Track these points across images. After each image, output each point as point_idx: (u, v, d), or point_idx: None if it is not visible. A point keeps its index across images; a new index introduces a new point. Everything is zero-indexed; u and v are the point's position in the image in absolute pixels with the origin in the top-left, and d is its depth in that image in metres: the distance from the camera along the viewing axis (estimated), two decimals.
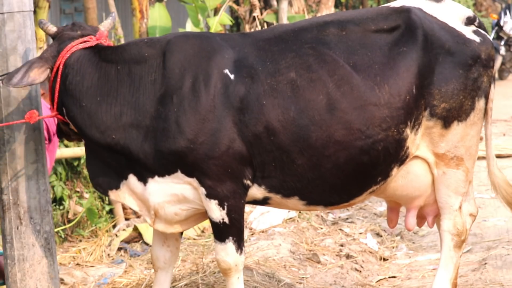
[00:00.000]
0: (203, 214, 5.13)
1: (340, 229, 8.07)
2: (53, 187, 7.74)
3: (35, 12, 6.22)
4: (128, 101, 4.96)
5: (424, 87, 5.02)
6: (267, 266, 6.43)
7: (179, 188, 4.99)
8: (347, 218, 8.55)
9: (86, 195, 8.09)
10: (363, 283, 6.76)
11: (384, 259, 7.54)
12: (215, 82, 4.89)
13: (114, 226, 8.19)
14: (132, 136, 4.94)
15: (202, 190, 4.94)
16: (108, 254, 7.56)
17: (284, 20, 15.05)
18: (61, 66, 5.02)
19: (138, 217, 8.58)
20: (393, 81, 4.96)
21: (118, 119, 4.96)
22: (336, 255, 7.28)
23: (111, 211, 8.38)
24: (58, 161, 7.93)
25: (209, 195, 4.94)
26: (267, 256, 6.88)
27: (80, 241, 7.85)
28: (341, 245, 7.57)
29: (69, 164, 8.08)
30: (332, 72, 4.93)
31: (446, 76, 5.05)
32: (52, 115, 5.13)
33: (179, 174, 4.94)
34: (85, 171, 8.22)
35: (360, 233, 8.00)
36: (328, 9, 17.26)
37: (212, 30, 10.51)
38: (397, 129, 4.97)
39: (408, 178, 5.18)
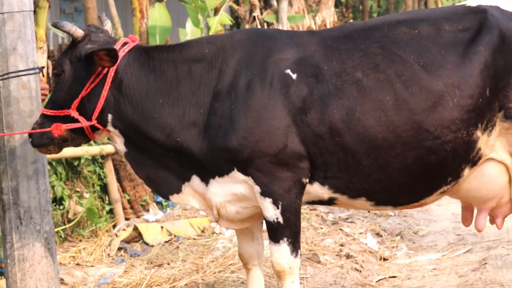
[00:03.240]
0: None
1: (340, 229, 8.07)
2: (53, 187, 7.74)
3: (35, 12, 6.22)
4: (190, 100, 4.89)
5: (499, 89, 4.87)
6: (267, 266, 6.43)
7: (238, 187, 4.92)
8: (347, 218, 8.55)
9: (86, 195, 8.09)
10: (363, 283, 6.76)
11: (384, 259, 7.54)
12: (273, 81, 4.82)
13: (114, 226, 8.19)
14: (194, 136, 4.89)
15: (257, 188, 4.86)
16: (108, 254, 7.56)
17: (284, 20, 15.05)
18: (111, 73, 4.90)
19: (138, 217, 8.59)
20: (466, 83, 4.83)
21: (181, 119, 4.89)
22: (336, 255, 7.28)
23: (111, 211, 8.39)
24: (58, 161, 7.93)
25: (264, 193, 4.86)
26: (267, 256, 6.88)
27: (80, 241, 7.86)
28: (341, 245, 7.56)
29: (69, 164, 8.08)
30: (400, 72, 4.82)
31: None
32: (87, 124, 4.94)
33: (235, 173, 4.87)
34: (85, 171, 8.22)
35: (360, 233, 8.00)
36: (328, 9, 17.26)
37: (212, 30, 10.53)
38: (467, 131, 4.85)
39: (483, 180, 5.06)
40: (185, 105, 4.89)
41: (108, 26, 5.19)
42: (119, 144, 5.06)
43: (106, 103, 4.93)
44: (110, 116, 4.96)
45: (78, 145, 5.13)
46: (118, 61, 4.89)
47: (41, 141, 5.03)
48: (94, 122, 4.95)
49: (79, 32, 4.95)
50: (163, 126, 4.91)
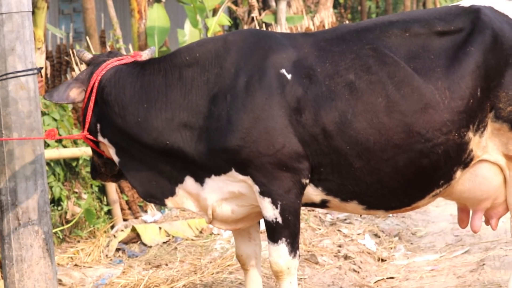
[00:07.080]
0: (260, 213, 5.04)
1: (338, 230, 8.07)
2: (51, 187, 7.74)
3: (33, 12, 6.22)
4: (180, 104, 4.91)
5: (490, 89, 4.86)
6: (265, 267, 6.43)
7: (235, 186, 4.93)
8: (345, 219, 8.55)
9: (84, 196, 8.09)
10: (361, 284, 6.77)
11: (382, 260, 7.54)
12: (270, 81, 4.82)
13: (112, 227, 8.19)
14: (186, 138, 4.90)
15: (256, 188, 4.86)
16: (106, 255, 7.57)
17: (283, 21, 15.05)
18: (96, 84, 5.00)
19: (136, 218, 8.59)
20: (456, 85, 4.82)
21: (170, 123, 4.91)
22: (334, 256, 7.28)
23: (109, 212, 8.39)
24: (57, 162, 7.93)
25: (263, 193, 4.85)
26: (265, 256, 6.88)
27: (78, 241, 7.86)
28: (339, 246, 7.57)
29: (67, 165, 8.08)
30: (392, 74, 4.83)
31: None
32: (80, 135, 5.09)
33: (233, 173, 4.87)
34: (83, 172, 8.22)
35: (358, 234, 8.00)
36: (326, 10, 17.24)
37: (210, 31, 10.53)
38: (458, 132, 4.84)
39: (476, 181, 5.05)
40: (174, 108, 4.92)
41: (144, 55, 5.27)
42: (112, 155, 5.12)
43: (94, 113, 5.03)
44: (98, 126, 5.05)
45: (113, 169, 5.28)
46: (103, 72, 5.03)
47: (91, 169, 5.41)
48: (85, 133, 5.05)
49: (86, 57, 5.19)
50: (149, 130, 4.94)
